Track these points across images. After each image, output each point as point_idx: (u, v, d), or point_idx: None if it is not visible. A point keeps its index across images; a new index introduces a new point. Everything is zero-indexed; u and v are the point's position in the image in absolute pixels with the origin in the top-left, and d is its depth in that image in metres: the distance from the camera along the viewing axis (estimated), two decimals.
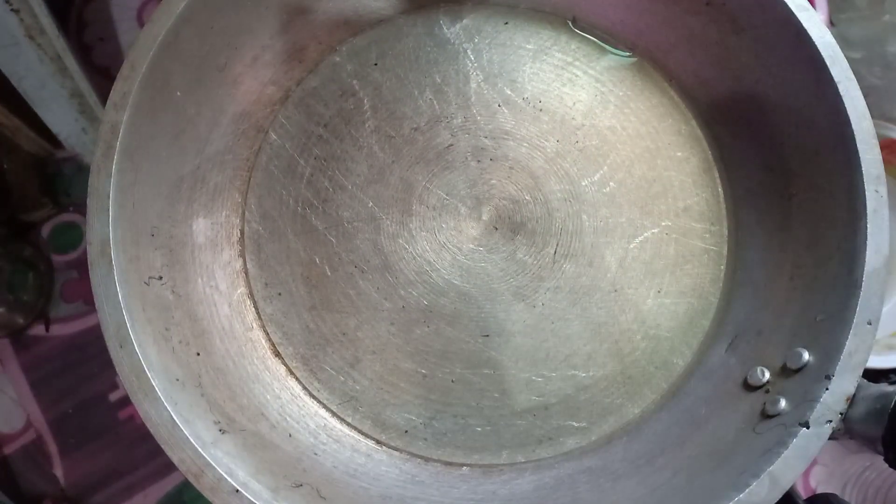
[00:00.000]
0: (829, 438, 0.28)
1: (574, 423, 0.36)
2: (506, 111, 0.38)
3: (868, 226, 0.29)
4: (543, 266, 0.37)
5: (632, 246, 0.37)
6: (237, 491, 0.29)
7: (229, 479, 0.29)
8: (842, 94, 0.31)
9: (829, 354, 0.29)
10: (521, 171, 0.37)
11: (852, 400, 0.28)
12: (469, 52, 0.38)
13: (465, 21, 0.38)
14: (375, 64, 0.38)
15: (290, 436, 0.34)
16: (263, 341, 0.36)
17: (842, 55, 0.31)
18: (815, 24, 0.32)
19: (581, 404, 0.36)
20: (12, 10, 0.45)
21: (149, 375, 0.29)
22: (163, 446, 0.29)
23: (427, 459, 0.36)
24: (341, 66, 0.38)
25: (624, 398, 0.36)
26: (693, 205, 0.37)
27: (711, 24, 0.36)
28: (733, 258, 0.37)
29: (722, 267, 0.37)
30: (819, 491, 0.55)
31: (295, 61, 0.37)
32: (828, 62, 0.31)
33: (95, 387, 0.54)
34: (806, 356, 0.31)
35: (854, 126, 0.30)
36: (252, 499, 0.29)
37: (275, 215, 0.37)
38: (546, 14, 0.38)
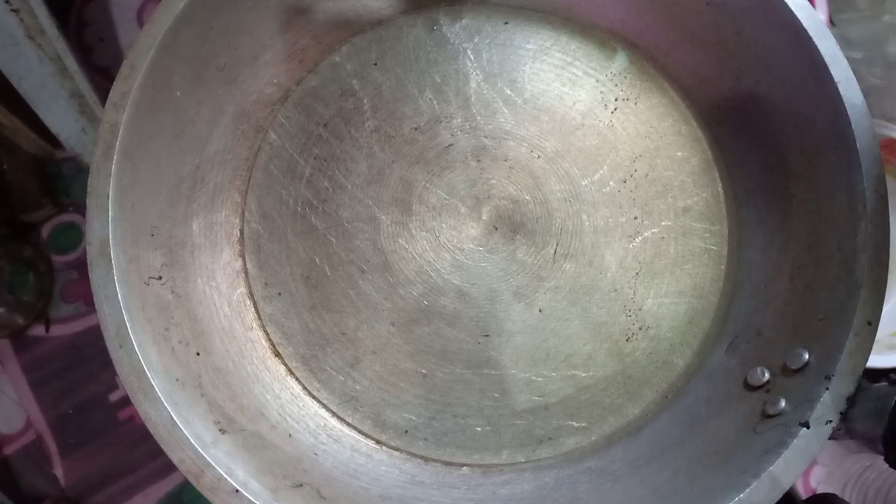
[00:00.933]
0: (829, 438, 0.28)
1: (574, 423, 0.36)
2: (506, 111, 0.38)
3: (868, 226, 0.29)
4: (543, 266, 0.37)
5: (632, 246, 0.37)
6: (237, 491, 0.29)
7: (229, 479, 0.29)
8: (842, 94, 0.31)
9: (829, 354, 0.29)
10: (521, 171, 0.37)
11: (852, 400, 0.28)
12: (469, 52, 0.38)
13: (465, 21, 0.38)
14: (375, 64, 0.38)
15: (290, 436, 0.34)
16: (263, 341, 0.36)
17: (842, 55, 0.31)
18: (815, 24, 0.32)
19: (581, 404, 0.36)
20: (12, 10, 0.45)
21: (149, 375, 0.29)
22: (163, 446, 0.29)
23: (427, 459, 0.36)
24: (341, 66, 0.38)
25: (624, 398, 0.36)
26: (693, 205, 0.37)
27: (711, 24, 0.36)
28: (733, 258, 0.37)
29: (722, 267, 0.37)
30: (819, 491, 0.55)
31: (295, 61, 0.37)
32: (828, 62, 0.31)
33: (95, 387, 0.54)
34: (806, 356, 0.31)
35: (854, 126, 0.30)
36: (252, 499, 0.29)
37: (275, 215, 0.37)
38: (546, 14, 0.38)
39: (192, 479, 0.29)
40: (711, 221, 0.37)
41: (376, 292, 0.36)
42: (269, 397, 0.35)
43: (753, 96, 0.35)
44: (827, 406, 0.28)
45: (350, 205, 0.37)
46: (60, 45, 0.49)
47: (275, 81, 0.37)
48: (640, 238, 0.37)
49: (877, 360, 0.45)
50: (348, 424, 0.36)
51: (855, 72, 0.31)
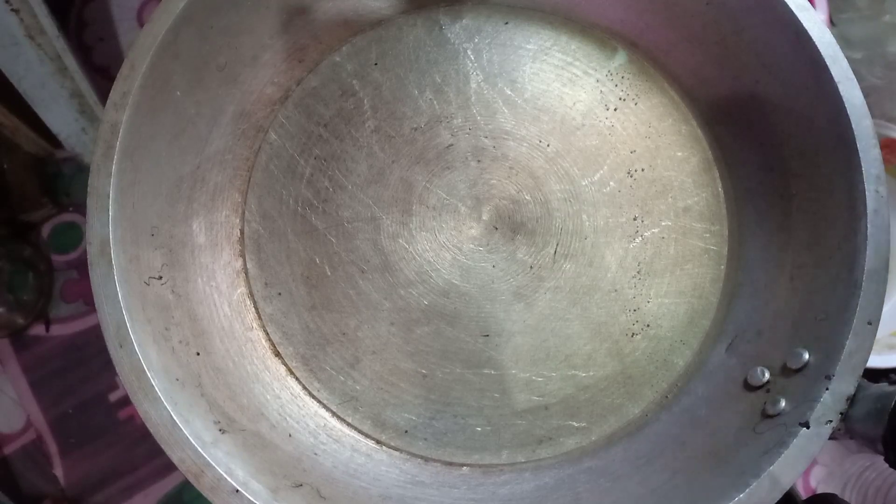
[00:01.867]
0: (829, 438, 0.28)
1: (574, 423, 0.36)
2: (506, 111, 0.38)
3: (868, 226, 0.29)
4: (543, 266, 0.37)
5: (632, 246, 0.37)
6: (237, 491, 0.29)
7: (229, 479, 0.29)
8: (842, 94, 0.31)
9: (829, 354, 0.29)
10: (521, 171, 0.37)
11: (852, 400, 0.28)
12: (469, 52, 0.38)
13: (465, 21, 0.38)
14: (375, 64, 0.38)
15: (290, 436, 0.34)
16: (263, 341, 0.36)
17: (842, 55, 0.31)
18: (815, 24, 0.32)
19: (581, 404, 0.36)
20: (12, 10, 0.45)
21: (149, 375, 0.29)
22: (163, 446, 0.29)
23: (427, 459, 0.36)
24: (341, 66, 0.38)
25: (624, 398, 0.36)
26: (693, 205, 0.37)
27: (711, 24, 0.36)
28: (733, 258, 0.37)
29: (722, 267, 0.37)
30: (819, 491, 0.55)
31: (295, 61, 0.37)
32: (828, 62, 0.31)
33: (95, 387, 0.54)
34: (806, 356, 0.31)
35: (854, 126, 0.30)
36: (252, 499, 0.29)
37: (275, 215, 0.37)
38: (546, 14, 0.38)
39: (192, 479, 0.29)
40: (711, 221, 0.37)
41: (376, 292, 0.36)
42: (269, 397, 0.35)
43: (753, 96, 0.35)
44: (827, 406, 0.28)
45: (350, 205, 0.37)
46: (60, 45, 0.49)
47: (275, 81, 0.37)
48: (640, 238, 0.37)
49: (877, 360, 0.45)
50: (348, 424, 0.36)
51: (855, 72, 0.31)
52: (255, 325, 0.37)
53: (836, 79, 0.31)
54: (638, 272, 0.37)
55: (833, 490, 0.52)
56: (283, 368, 0.36)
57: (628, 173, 0.37)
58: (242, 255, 0.37)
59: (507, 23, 0.38)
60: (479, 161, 0.37)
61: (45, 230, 0.58)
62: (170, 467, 0.30)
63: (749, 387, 0.33)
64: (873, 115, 0.31)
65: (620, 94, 0.38)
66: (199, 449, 0.29)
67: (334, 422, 0.36)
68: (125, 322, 0.30)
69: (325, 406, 0.36)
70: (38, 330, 0.55)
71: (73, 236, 0.58)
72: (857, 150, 0.30)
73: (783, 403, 0.30)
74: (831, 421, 0.28)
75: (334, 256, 0.37)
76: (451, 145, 0.37)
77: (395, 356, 0.36)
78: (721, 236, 0.37)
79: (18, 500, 0.52)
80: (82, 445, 0.54)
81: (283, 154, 0.37)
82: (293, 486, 0.31)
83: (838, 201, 0.31)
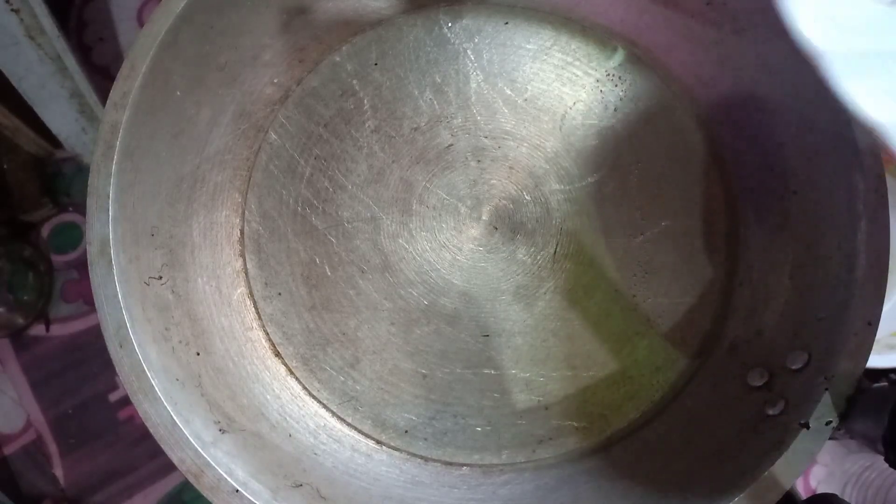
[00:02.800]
0: (829, 438, 0.28)
1: (574, 423, 0.36)
2: (506, 111, 0.38)
3: (868, 226, 0.29)
4: (543, 266, 0.37)
5: (632, 246, 0.37)
6: (237, 491, 0.29)
7: (229, 479, 0.29)
8: None
9: (829, 354, 0.29)
10: (521, 171, 0.37)
11: (852, 400, 0.28)
12: (469, 52, 0.38)
13: (465, 21, 0.38)
14: (375, 64, 0.38)
15: (290, 436, 0.34)
16: (263, 341, 0.36)
17: None
18: None
19: (581, 404, 0.36)
20: (12, 10, 0.45)
21: (149, 375, 0.29)
22: (163, 446, 0.29)
23: (427, 459, 0.36)
24: (341, 65, 0.38)
25: (624, 398, 0.36)
26: (693, 205, 0.37)
27: (711, 24, 0.36)
28: (733, 258, 0.37)
29: (722, 267, 0.37)
30: (819, 491, 0.54)
31: (295, 61, 0.37)
32: None
33: (95, 387, 0.54)
34: (806, 356, 0.31)
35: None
36: (252, 499, 0.29)
37: (275, 215, 0.37)
38: (546, 14, 0.38)
39: (192, 479, 0.29)
40: (711, 221, 0.37)
41: (376, 292, 0.36)
42: (269, 397, 0.35)
43: (753, 96, 0.35)
44: (827, 406, 0.28)
45: (350, 205, 0.37)
46: (60, 45, 0.49)
47: (275, 81, 0.37)
48: (640, 238, 0.37)
49: (877, 360, 0.45)
50: (348, 424, 0.36)
51: None
52: (255, 325, 0.37)
53: None
54: (638, 272, 0.37)
55: (833, 490, 0.52)
56: (283, 368, 0.36)
57: (628, 173, 0.37)
58: (242, 255, 0.37)
59: (507, 23, 0.38)
60: (479, 161, 0.37)
61: (45, 230, 0.58)
62: (170, 467, 0.30)
63: (749, 387, 0.33)
64: None
65: (620, 93, 0.38)
66: (199, 449, 0.29)
67: (334, 422, 0.36)
68: (125, 322, 0.30)
69: (325, 406, 0.36)
70: (38, 330, 0.55)
71: (73, 236, 0.58)
72: (858, 150, 0.30)
73: (783, 403, 0.30)
74: (831, 421, 0.28)
75: (334, 256, 0.37)
76: (451, 145, 0.37)
77: (395, 356, 0.36)
78: (721, 236, 0.37)
79: (18, 500, 0.52)
80: (82, 445, 0.54)
81: (283, 154, 0.37)
82: (293, 486, 0.31)
83: (838, 201, 0.31)
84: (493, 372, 0.36)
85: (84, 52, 0.60)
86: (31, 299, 0.54)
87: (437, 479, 0.35)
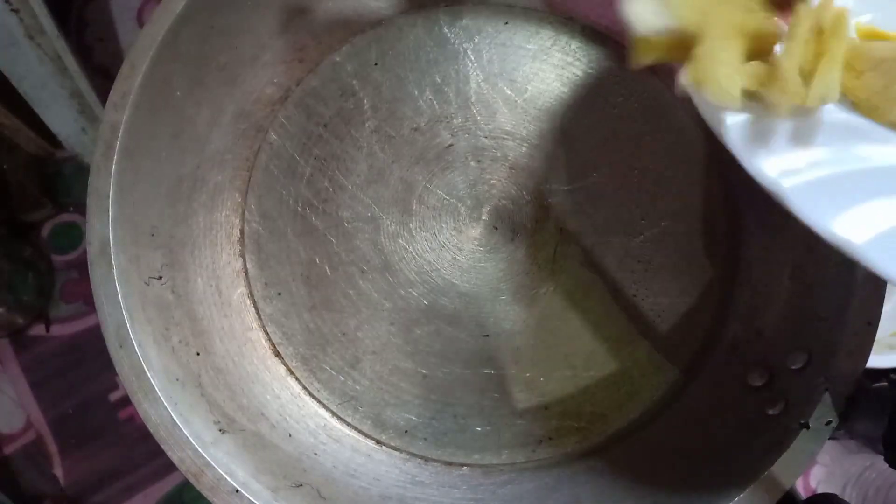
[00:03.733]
0: (829, 438, 0.28)
1: (574, 423, 0.36)
2: (506, 111, 0.38)
3: None
4: (543, 266, 0.37)
5: (632, 245, 0.37)
6: (237, 491, 0.29)
7: (229, 479, 0.29)
8: None
9: (829, 354, 0.29)
10: (520, 171, 0.37)
11: (852, 400, 0.28)
12: (469, 52, 0.38)
13: (465, 21, 0.38)
14: (375, 64, 0.38)
15: (290, 436, 0.34)
16: (263, 341, 0.36)
17: None
18: None
19: (581, 404, 0.36)
20: (12, 10, 0.45)
21: (149, 375, 0.29)
22: (163, 446, 0.29)
23: (427, 459, 0.36)
24: (341, 66, 0.38)
25: (624, 398, 0.36)
26: (693, 205, 0.37)
27: None
28: (733, 258, 0.37)
29: (722, 267, 0.37)
30: (819, 491, 0.54)
31: (295, 61, 0.37)
32: None
33: (95, 387, 0.54)
34: (806, 356, 0.31)
35: None
36: (252, 499, 0.29)
37: (275, 215, 0.37)
38: (546, 14, 0.38)
39: (192, 479, 0.29)
40: (711, 221, 0.37)
41: (376, 292, 0.36)
42: (269, 397, 0.35)
43: None
44: (827, 406, 0.28)
45: (350, 205, 0.37)
46: (60, 45, 0.49)
47: (275, 81, 0.37)
48: (640, 238, 0.37)
49: (877, 360, 0.45)
50: (348, 424, 0.36)
51: None
52: (255, 325, 0.37)
53: None
54: (638, 272, 0.37)
55: (833, 490, 0.52)
56: (283, 368, 0.36)
57: (628, 173, 0.37)
58: (242, 255, 0.37)
59: (506, 23, 0.38)
60: (479, 161, 0.37)
61: (45, 230, 0.58)
62: (170, 467, 0.30)
63: (749, 387, 0.33)
64: None
65: (621, 93, 0.38)
66: (199, 449, 0.29)
67: (334, 422, 0.36)
68: (125, 322, 0.30)
69: (325, 406, 0.36)
70: (38, 330, 0.55)
71: (73, 236, 0.58)
72: None
73: (783, 403, 0.30)
74: (831, 421, 0.28)
75: (334, 256, 0.37)
76: (451, 145, 0.37)
77: (395, 356, 0.36)
78: (721, 236, 0.37)
79: (18, 501, 0.52)
80: (82, 445, 0.54)
81: (283, 154, 0.38)
82: (293, 486, 0.31)
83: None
84: (493, 372, 0.36)
85: (84, 52, 0.60)
86: (31, 299, 0.54)
87: (437, 479, 0.35)
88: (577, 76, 0.38)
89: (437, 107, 0.38)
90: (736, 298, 0.36)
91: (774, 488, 0.28)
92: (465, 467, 0.36)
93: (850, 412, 0.28)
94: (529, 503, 0.34)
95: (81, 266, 0.56)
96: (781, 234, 0.34)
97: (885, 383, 0.29)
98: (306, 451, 0.34)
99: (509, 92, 0.38)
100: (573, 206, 0.37)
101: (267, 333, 0.37)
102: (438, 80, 0.38)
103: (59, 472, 0.53)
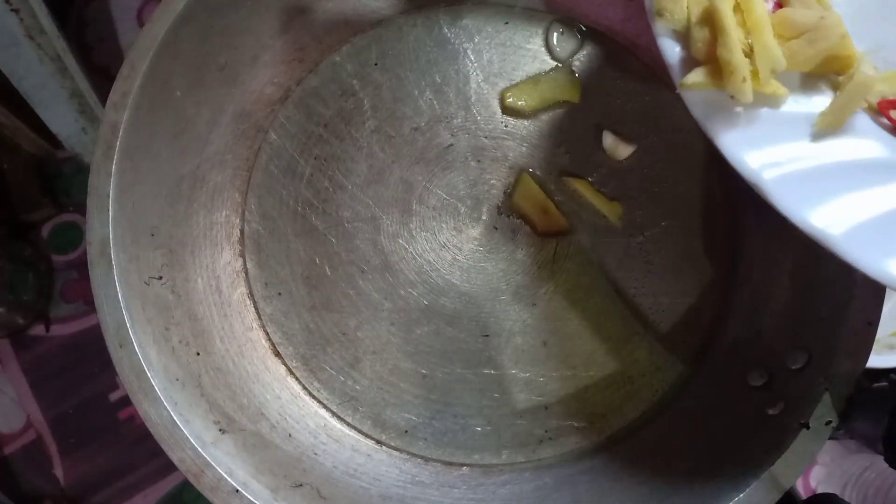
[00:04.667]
0: (829, 438, 0.28)
1: (574, 423, 0.36)
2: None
3: None
4: (543, 266, 0.37)
5: (632, 245, 0.37)
6: (237, 491, 0.29)
7: (229, 479, 0.29)
8: None
9: (829, 354, 0.29)
10: (520, 170, 0.37)
11: (852, 400, 0.28)
12: (469, 52, 0.38)
13: (465, 21, 0.38)
14: (375, 64, 0.38)
15: (290, 436, 0.34)
16: (263, 341, 0.36)
17: None
18: None
19: (581, 404, 0.36)
20: (12, 10, 0.45)
21: (149, 375, 0.29)
22: (163, 446, 0.29)
23: (427, 459, 0.36)
24: (341, 66, 0.38)
25: (624, 398, 0.36)
26: (693, 204, 0.37)
27: None
28: (733, 258, 0.37)
29: (721, 267, 0.37)
30: (819, 491, 0.54)
31: (295, 61, 0.37)
32: None
33: (95, 387, 0.54)
34: (806, 356, 0.31)
35: None
36: (252, 499, 0.29)
37: (275, 215, 0.37)
38: (546, 14, 0.38)
39: (192, 479, 0.29)
40: (711, 221, 0.37)
41: (376, 292, 0.36)
42: (269, 397, 0.35)
43: None
44: (827, 406, 0.28)
45: (350, 205, 0.37)
46: (60, 45, 0.49)
47: (275, 81, 0.37)
48: (640, 237, 0.37)
49: (877, 360, 0.45)
50: (348, 424, 0.36)
51: None
52: (255, 325, 0.37)
53: None
54: (638, 272, 0.37)
55: (833, 490, 0.52)
56: (283, 368, 0.36)
57: (628, 173, 0.37)
58: (242, 255, 0.37)
59: (506, 23, 0.38)
60: (479, 161, 0.37)
61: (45, 230, 0.58)
62: (170, 467, 0.30)
63: (749, 387, 0.33)
64: None
65: (621, 93, 0.38)
66: (199, 449, 0.29)
67: (334, 422, 0.36)
68: (125, 322, 0.30)
69: (325, 406, 0.36)
70: (38, 330, 0.55)
71: (73, 236, 0.58)
72: None
73: (783, 403, 0.30)
74: (831, 421, 0.28)
75: (334, 256, 0.37)
76: (451, 145, 0.37)
77: (395, 356, 0.36)
78: (720, 236, 0.37)
79: (18, 501, 0.52)
80: (82, 445, 0.54)
81: (283, 154, 0.38)
82: (293, 486, 0.31)
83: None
84: (493, 372, 0.36)
85: (84, 52, 0.60)
86: (31, 299, 0.54)
87: (437, 479, 0.35)
88: (578, 76, 0.38)
89: (437, 107, 0.38)
90: (736, 298, 0.36)
91: (774, 488, 0.28)
92: (465, 467, 0.36)
93: (850, 412, 0.28)
94: (529, 503, 0.34)
95: (81, 266, 0.56)
96: (781, 234, 0.34)
97: (885, 383, 0.29)
98: (306, 451, 0.34)
99: None
100: (573, 205, 0.37)
101: (267, 333, 0.37)
102: (438, 80, 0.38)
103: (59, 472, 0.53)
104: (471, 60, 0.38)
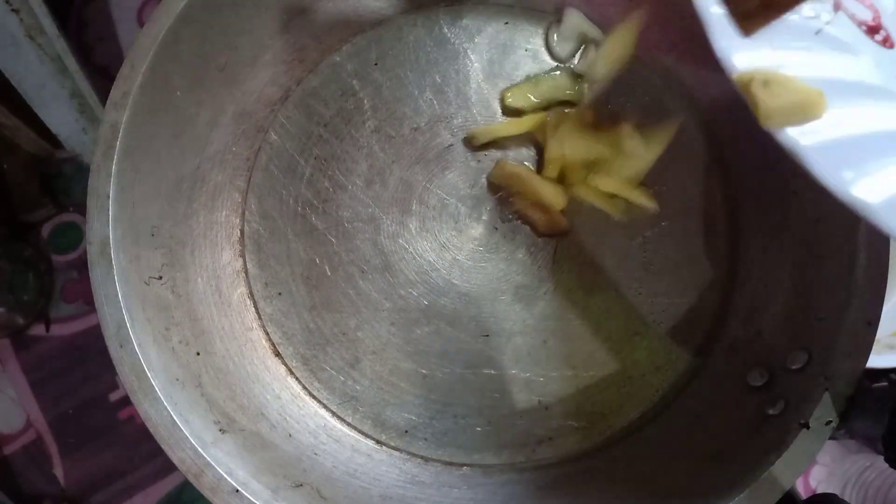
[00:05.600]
0: (829, 438, 0.28)
1: (574, 423, 0.36)
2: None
3: (868, 226, 0.29)
4: (543, 266, 0.37)
5: (632, 246, 0.37)
6: (237, 491, 0.29)
7: (229, 479, 0.29)
8: None
9: (829, 354, 0.29)
10: (520, 171, 0.37)
11: (852, 400, 0.28)
12: (469, 52, 0.38)
13: (465, 21, 0.38)
14: (375, 64, 0.38)
15: (290, 436, 0.34)
16: (263, 341, 0.36)
17: None
18: None
19: (581, 404, 0.36)
20: (12, 10, 0.45)
21: (149, 375, 0.29)
22: (163, 446, 0.29)
23: (427, 459, 0.36)
24: (341, 66, 0.38)
25: (624, 398, 0.36)
26: (693, 205, 0.37)
27: None
28: (733, 258, 0.37)
29: (722, 267, 0.37)
30: (819, 491, 0.54)
31: (295, 61, 0.37)
32: None
33: (95, 387, 0.54)
34: (806, 356, 0.31)
35: None
36: (252, 499, 0.29)
37: (275, 215, 0.37)
38: (546, 14, 0.38)
39: (192, 479, 0.29)
40: (711, 221, 0.37)
41: (376, 292, 0.36)
42: (269, 397, 0.35)
43: None
44: (827, 406, 0.28)
45: (350, 205, 0.37)
46: (60, 45, 0.49)
47: (275, 81, 0.37)
48: (640, 238, 0.37)
49: (877, 360, 0.45)
50: (348, 424, 0.36)
51: None
52: (255, 325, 0.37)
53: None
54: (638, 272, 0.37)
55: (833, 490, 0.52)
56: (283, 368, 0.36)
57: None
58: (242, 255, 0.37)
59: (507, 23, 0.38)
60: (479, 161, 0.37)
61: (45, 230, 0.57)
62: (170, 467, 0.30)
63: (749, 387, 0.33)
64: None
65: (621, 93, 0.38)
66: (199, 449, 0.29)
67: (334, 422, 0.36)
68: (125, 322, 0.30)
69: (325, 406, 0.36)
70: (38, 330, 0.55)
71: (73, 236, 0.58)
72: None
73: (783, 403, 0.30)
74: (831, 421, 0.28)
75: (334, 256, 0.37)
76: (451, 145, 0.37)
77: (395, 356, 0.36)
78: (721, 236, 0.37)
79: (18, 501, 0.52)
80: (82, 445, 0.54)
81: (283, 154, 0.37)
82: (293, 486, 0.31)
83: (838, 201, 0.31)
84: (493, 372, 0.36)
85: (84, 52, 0.60)
86: (31, 299, 0.54)
87: (437, 479, 0.35)
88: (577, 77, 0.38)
89: (437, 107, 0.38)
90: (736, 298, 0.36)
91: (774, 488, 0.28)
92: (465, 467, 0.36)
93: (850, 412, 0.28)
94: (529, 503, 0.34)
95: (81, 266, 0.56)
96: (781, 234, 0.34)
97: (885, 383, 0.29)
98: (306, 451, 0.34)
99: None
100: (573, 205, 0.37)
101: (267, 333, 0.37)
102: (438, 80, 0.38)
103: (59, 472, 0.53)
104: (471, 60, 0.38)
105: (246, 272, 0.37)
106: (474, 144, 0.37)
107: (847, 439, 0.44)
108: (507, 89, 0.37)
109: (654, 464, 0.34)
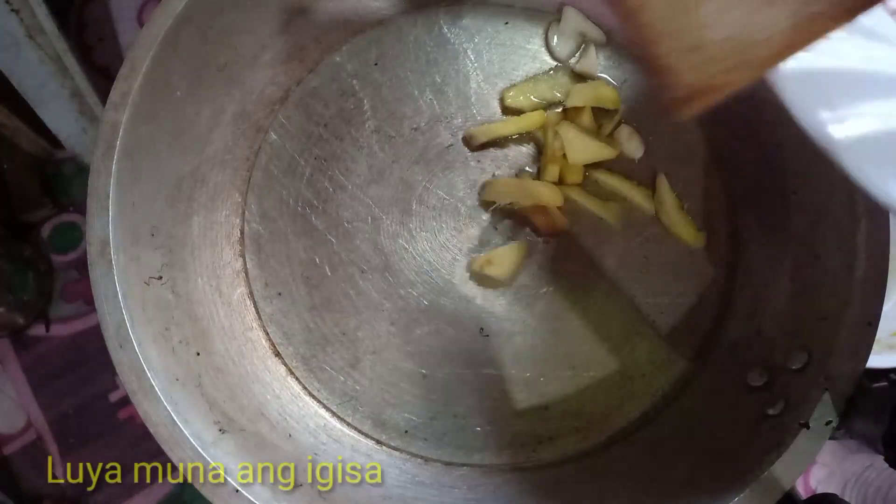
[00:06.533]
0: (829, 438, 0.28)
1: (574, 423, 0.36)
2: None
3: (868, 226, 0.29)
4: (543, 266, 0.37)
5: (632, 246, 0.37)
6: (237, 491, 0.29)
7: (229, 480, 0.29)
8: None
9: (829, 355, 0.29)
10: (520, 170, 0.37)
11: (852, 400, 0.28)
12: (469, 52, 0.38)
13: (465, 21, 0.38)
14: (375, 64, 0.38)
15: (290, 436, 0.34)
16: (263, 341, 0.36)
17: None
18: None
19: (581, 404, 0.36)
20: (12, 10, 0.45)
21: (149, 375, 0.29)
22: (163, 446, 0.29)
23: (427, 459, 0.36)
24: (341, 66, 0.38)
25: (624, 398, 0.36)
26: (693, 205, 0.37)
27: None
28: (733, 258, 0.37)
29: (722, 267, 0.37)
30: (819, 491, 0.54)
31: (295, 61, 0.37)
32: None
33: (95, 387, 0.54)
34: (806, 356, 0.30)
35: None
36: (252, 499, 0.29)
37: (275, 215, 0.37)
38: (546, 14, 0.38)
39: (192, 480, 0.29)
40: (711, 221, 0.37)
41: (376, 292, 0.36)
42: (269, 397, 0.35)
43: (753, 96, 0.35)
44: (827, 406, 0.28)
45: (350, 205, 0.37)
46: (60, 45, 0.49)
47: (275, 81, 0.37)
48: (640, 238, 0.37)
49: (877, 360, 0.45)
50: (348, 424, 0.36)
51: None
52: (255, 325, 0.37)
53: None
54: (638, 272, 0.37)
55: (833, 490, 0.52)
56: (283, 368, 0.36)
57: (629, 173, 0.37)
58: (242, 255, 0.37)
59: (507, 23, 0.38)
60: (478, 161, 0.37)
61: (45, 230, 0.57)
62: (170, 467, 0.30)
63: (749, 387, 0.33)
64: None
65: (620, 94, 0.38)
66: (199, 449, 0.29)
67: (334, 422, 0.36)
68: (125, 322, 0.30)
69: (325, 406, 0.36)
70: (38, 330, 0.55)
71: (73, 236, 0.58)
72: None
73: (783, 403, 0.30)
74: (831, 421, 0.28)
75: (334, 256, 0.37)
76: (451, 145, 0.37)
77: (395, 356, 0.36)
78: (721, 236, 0.37)
79: (18, 501, 0.52)
80: (82, 445, 0.54)
81: (283, 154, 0.37)
82: (293, 486, 0.31)
83: (838, 201, 0.31)
84: (493, 372, 0.36)
85: (84, 52, 0.60)
86: (31, 299, 0.54)
87: (437, 479, 0.35)
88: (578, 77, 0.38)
89: (437, 107, 0.38)
90: (736, 298, 0.36)
91: (774, 488, 0.28)
92: (465, 467, 0.36)
93: (850, 412, 0.28)
94: (529, 503, 0.34)
95: (81, 266, 0.56)
96: (781, 234, 0.34)
97: (885, 383, 0.29)
98: (306, 451, 0.34)
99: None
100: (573, 205, 0.37)
101: (267, 333, 0.37)
102: (438, 80, 0.38)
103: (59, 472, 0.53)
104: (471, 60, 0.38)
105: (246, 272, 0.37)
106: (474, 144, 0.37)
107: (847, 439, 0.44)
108: (507, 89, 0.37)
109: (654, 464, 0.34)
